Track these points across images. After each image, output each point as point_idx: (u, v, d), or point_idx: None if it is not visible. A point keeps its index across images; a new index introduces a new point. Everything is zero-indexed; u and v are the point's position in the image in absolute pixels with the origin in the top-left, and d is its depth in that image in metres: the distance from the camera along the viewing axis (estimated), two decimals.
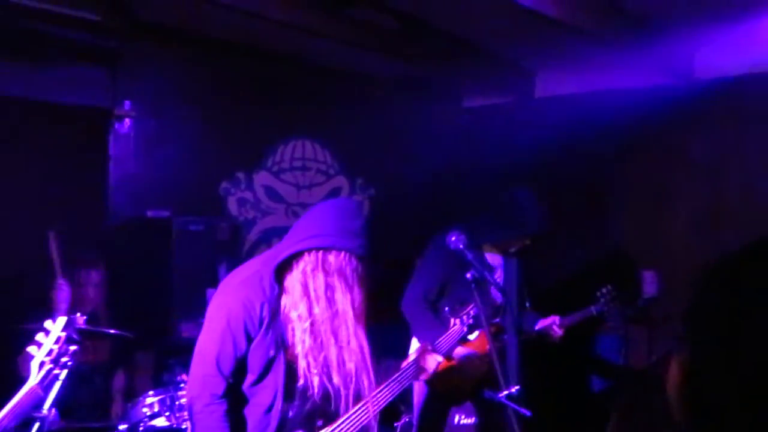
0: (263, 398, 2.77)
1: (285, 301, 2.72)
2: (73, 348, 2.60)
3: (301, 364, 2.72)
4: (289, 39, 5.52)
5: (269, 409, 2.77)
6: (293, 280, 2.69)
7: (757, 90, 5.46)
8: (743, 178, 5.68)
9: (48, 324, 2.61)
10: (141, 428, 4.06)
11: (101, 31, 5.25)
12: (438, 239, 4.44)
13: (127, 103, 5.53)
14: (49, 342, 2.57)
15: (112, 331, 4.19)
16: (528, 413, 2.69)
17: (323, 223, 2.69)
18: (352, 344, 2.72)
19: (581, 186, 6.29)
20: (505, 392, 2.70)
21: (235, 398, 2.75)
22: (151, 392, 4.17)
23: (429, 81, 6.80)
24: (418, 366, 3.16)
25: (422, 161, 6.95)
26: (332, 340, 2.70)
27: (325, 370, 2.72)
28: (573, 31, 4.80)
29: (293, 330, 2.73)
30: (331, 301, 2.66)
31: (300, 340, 2.71)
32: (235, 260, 5.92)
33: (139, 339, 4.89)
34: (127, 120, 5.54)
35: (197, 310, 5.37)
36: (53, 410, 3.61)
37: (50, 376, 2.55)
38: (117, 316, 4.79)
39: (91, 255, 4.75)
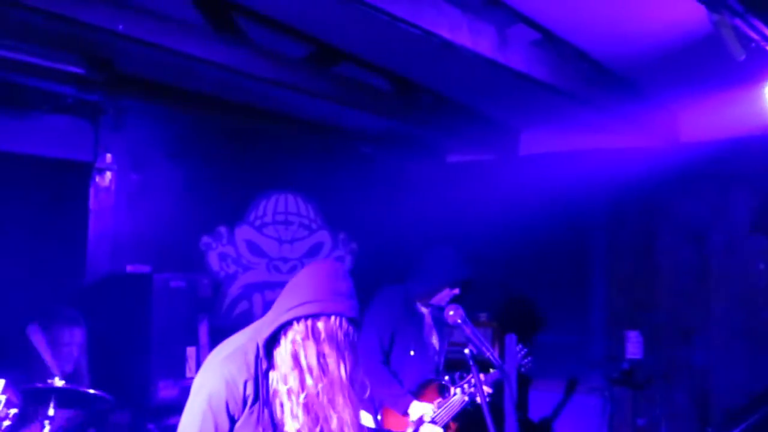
0: None
1: (273, 375, 2.60)
2: (13, 411, 2.52)
3: None
4: (272, 93, 5.50)
5: None
6: (283, 353, 2.52)
7: (741, 154, 5.53)
8: (727, 241, 5.71)
9: None
10: None
11: (84, 84, 5.19)
12: (381, 293, 4.65)
13: (108, 156, 5.46)
14: None
15: (92, 392, 4.06)
16: None
17: (310, 288, 2.55)
18: (348, 413, 2.60)
19: (564, 244, 6.27)
20: None
21: None
22: None
23: (413, 136, 6.80)
24: None
25: (405, 216, 6.92)
26: (330, 411, 2.54)
27: None
28: (560, 93, 4.82)
29: (282, 405, 2.61)
30: (324, 370, 2.50)
31: (293, 415, 2.57)
32: (216, 316, 5.85)
33: (117, 398, 4.78)
34: (108, 173, 5.46)
35: (176, 368, 5.30)
36: None
37: None
38: (95, 373, 4.68)
39: (73, 313, 4.64)
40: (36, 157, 5.10)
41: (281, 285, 6.63)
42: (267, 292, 6.40)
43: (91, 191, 5.41)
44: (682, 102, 5.53)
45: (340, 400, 2.52)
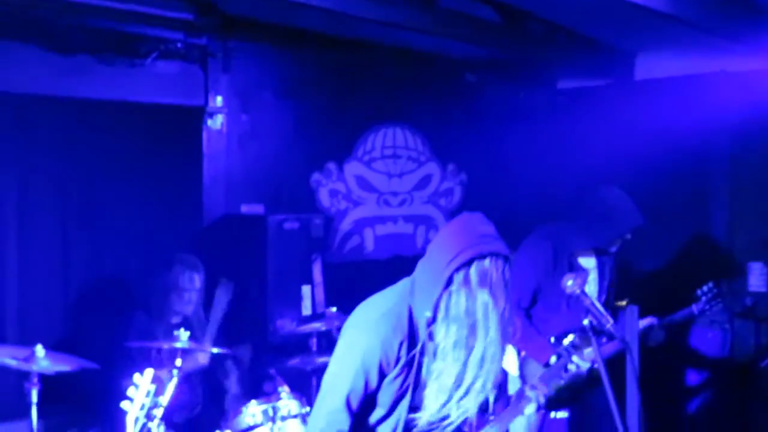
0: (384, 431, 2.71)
1: (433, 331, 2.56)
2: (162, 399, 2.61)
3: (432, 392, 2.59)
4: (377, 27, 5.39)
5: None
6: (443, 308, 2.53)
7: None
8: None
9: (137, 378, 2.62)
10: None
11: (192, 29, 5.21)
12: (528, 244, 4.43)
13: (218, 99, 5.51)
14: (140, 396, 2.58)
15: (214, 350, 4.21)
16: None
17: (458, 240, 2.54)
18: (495, 366, 2.56)
19: (683, 173, 6.01)
20: None
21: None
22: (254, 401, 4.19)
23: (521, 63, 6.58)
24: (524, 398, 3.07)
25: (515, 145, 6.77)
26: (477, 363, 2.53)
27: (459, 398, 2.58)
28: (681, 21, 4.54)
29: (430, 360, 2.60)
30: (479, 321, 2.49)
31: (438, 368, 2.57)
32: (328, 252, 5.94)
33: (236, 336, 4.95)
34: (219, 116, 5.52)
35: (293, 307, 5.43)
36: (162, 426, 3.68)
37: (145, 430, 2.58)
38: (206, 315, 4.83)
39: (193, 259, 4.78)
40: (149, 105, 5.19)
41: (392, 219, 6.74)
42: (378, 226, 6.43)
43: (204, 135, 5.50)
44: None
45: (490, 352, 2.51)
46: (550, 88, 6.99)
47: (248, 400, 4.23)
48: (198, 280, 4.71)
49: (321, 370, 4.56)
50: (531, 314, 4.38)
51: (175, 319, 4.61)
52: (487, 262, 2.49)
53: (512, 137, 6.75)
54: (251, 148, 5.71)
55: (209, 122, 5.50)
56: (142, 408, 2.58)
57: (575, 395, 4.28)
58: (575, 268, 4.34)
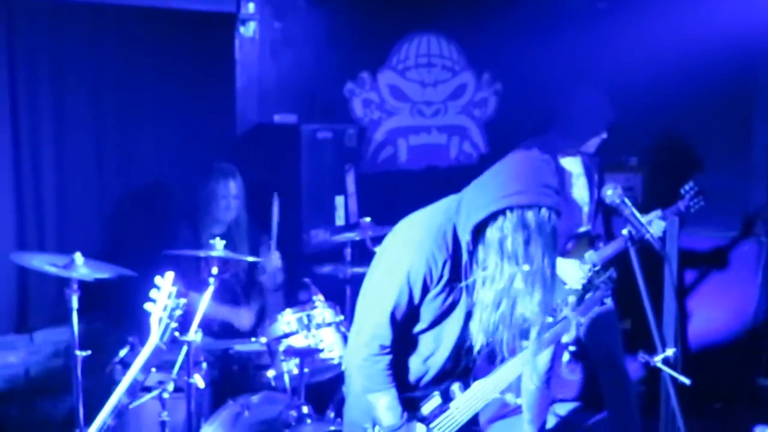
0: (425, 346, 2.80)
1: (475, 258, 2.64)
2: (183, 301, 2.65)
3: (476, 319, 2.68)
4: None
5: (429, 358, 2.80)
6: (489, 238, 2.58)
7: None
8: None
9: (158, 279, 2.65)
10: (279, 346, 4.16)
11: None
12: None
13: (251, 6, 5.41)
14: (162, 297, 2.62)
15: (250, 259, 4.24)
16: (687, 381, 2.57)
17: (522, 179, 2.57)
18: (538, 302, 2.61)
19: (725, 79, 5.81)
20: (661, 356, 2.57)
21: (397, 342, 2.75)
22: (289, 310, 4.24)
23: None
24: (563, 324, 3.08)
25: (552, 52, 6.59)
26: (515, 302, 2.62)
27: (500, 330, 2.65)
28: None
29: (474, 285, 2.66)
30: (527, 260, 2.55)
31: (481, 299, 2.64)
32: (361, 163, 5.92)
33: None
34: (251, 23, 5.44)
35: (326, 217, 5.46)
36: (199, 333, 3.75)
37: (168, 330, 2.63)
38: (250, 221, 4.87)
39: (227, 166, 4.79)
40: (180, 11, 5.10)
41: (425, 129, 6.68)
42: (411, 136, 6.38)
43: (236, 42, 5.42)
44: None
45: (538, 290, 2.57)
46: None
47: (283, 308, 4.29)
48: (234, 187, 4.72)
49: (355, 279, 4.65)
50: None
51: (218, 229, 4.64)
52: (544, 212, 2.53)
53: (549, 44, 6.55)
54: (284, 56, 5.64)
55: (242, 29, 5.42)
56: (164, 309, 2.62)
57: None
58: (559, 170, 4.39)
